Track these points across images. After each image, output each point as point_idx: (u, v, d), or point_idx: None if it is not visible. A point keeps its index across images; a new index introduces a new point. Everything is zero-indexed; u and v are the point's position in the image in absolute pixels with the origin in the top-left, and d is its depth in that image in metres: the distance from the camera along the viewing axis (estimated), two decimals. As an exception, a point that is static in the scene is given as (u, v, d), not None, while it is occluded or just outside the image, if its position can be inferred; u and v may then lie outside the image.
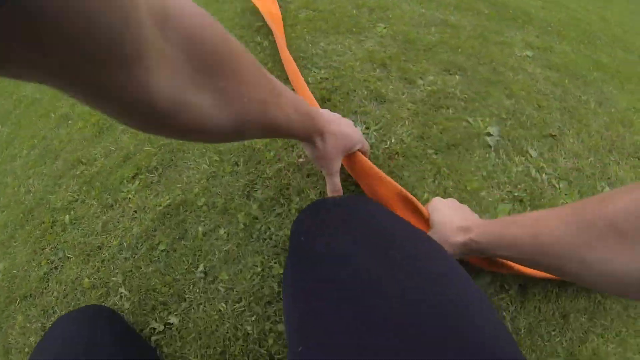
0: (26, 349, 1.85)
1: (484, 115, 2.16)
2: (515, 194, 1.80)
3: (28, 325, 1.89)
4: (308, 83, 2.29)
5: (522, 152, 2.01)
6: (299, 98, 0.92)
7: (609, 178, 2.04)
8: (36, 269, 2.07)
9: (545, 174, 1.93)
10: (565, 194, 1.87)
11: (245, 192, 1.81)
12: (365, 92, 2.16)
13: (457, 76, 2.42)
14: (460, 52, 2.67)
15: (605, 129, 2.35)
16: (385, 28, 2.77)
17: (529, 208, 1.77)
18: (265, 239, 1.65)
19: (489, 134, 2.03)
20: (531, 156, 2.00)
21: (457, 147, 1.94)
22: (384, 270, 0.77)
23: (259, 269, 1.58)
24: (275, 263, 1.58)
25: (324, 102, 2.13)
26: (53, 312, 1.85)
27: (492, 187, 1.82)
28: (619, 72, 3.10)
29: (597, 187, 1.97)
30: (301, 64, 2.47)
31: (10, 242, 2.35)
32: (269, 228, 1.67)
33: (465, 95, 2.27)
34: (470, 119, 2.10)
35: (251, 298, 1.53)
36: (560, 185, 1.90)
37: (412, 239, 0.92)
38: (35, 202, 2.44)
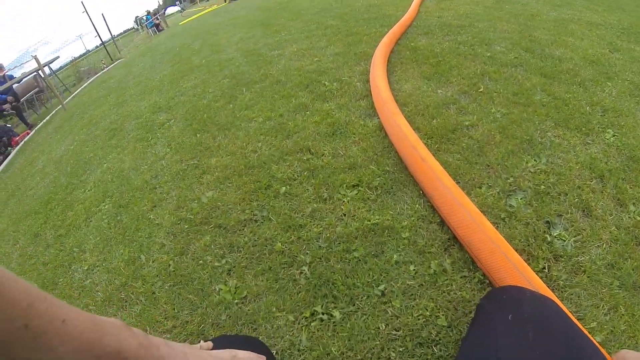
0: (200, 261, 2.21)
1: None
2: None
3: (212, 247, 2.25)
4: (524, 169, 2.35)
5: None
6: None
7: None
8: (238, 212, 2.42)
9: None
10: None
11: (445, 246, 1.93)
12: (576, 200, 2.13)
13: (677, 213, 2.22)
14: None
15: None
16: (613, 136, 2.65)
17: None
18: (444, 292, 1.75)
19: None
20: None
21: (646, 290, 1.83)
22: None
23: (428, 313, 1.68)
24: (442, 315, 1.67)
25: (537, 194, 2.18)
26: (238, 250, 2.17)
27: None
28: None
29: None
30: (522, 148, 2.53)
31: (225, 181, 2.74)
32: (452, 284, 1.77)
33: (679, 239, 2.08)
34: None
35: (409, 332, 1.65)
36: None
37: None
38: (259, 163, 2.81)
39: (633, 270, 1.83)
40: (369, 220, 2.10)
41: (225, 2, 23.85)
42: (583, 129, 2.71)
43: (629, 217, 2.08)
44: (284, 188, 2.48)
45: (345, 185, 2.38)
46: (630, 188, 2.26)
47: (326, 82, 3.90)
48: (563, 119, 2.80)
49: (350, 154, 2.65)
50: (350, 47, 4.96)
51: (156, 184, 3.16)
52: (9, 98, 9.54)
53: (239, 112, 3.79)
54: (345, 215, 2.18)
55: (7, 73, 10.51)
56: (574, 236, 1.94)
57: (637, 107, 3.03)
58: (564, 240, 1.91)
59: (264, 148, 2.98)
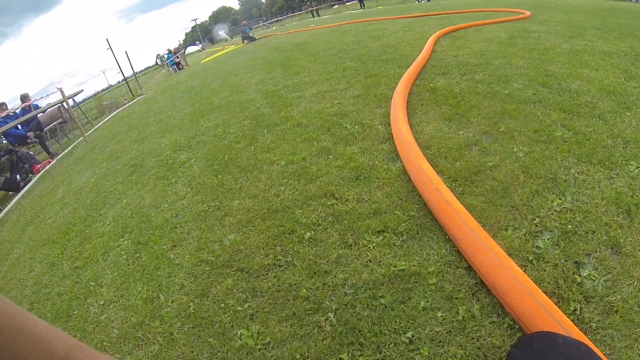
0: (222, 304, 2.18)
1: None
2: None
3: (234, 291, 2.23)
4: (550, 209, 2.30)
5: None
6: None
7: None
8: (262, 257, 2.42)
9: None
10: None
11: (473, 291, 1.90)
12: (604, 237, 2.07)
13: None
14: None
15: None
16: (637, 168, 2.60)
17: None
18: (473, 338, 1.71)
19: None
20: None
21: (683, 328, 1.74)
22: None
23: (457, 361, 1.65)
24: (473, 363, 1.64)
25: (564, 234, 2.13)
26: (261, 295, 2.15)
27: None
28: None
29: None
30: (547, 187, 2.49)
31: (248, 225, 2.75)
32: (480, 330, 1.73)
33: None
34: None
35: (440, 382, 1.62)
36: None
37: None
38: (282, 207, 2.82)
39: (666, 307, 1.75)
40: (395, 267, 2.08)
41: (243, 42, 24.56)
42: (606, 162, 2.68)
43: (660, 252, 2.01)
44: (308, 234, 2.48)
45: (370, 231, 2.38)
46: (659, 222, 2.19)
47: (348, 125, 3.95)
48: (585, 154, 2.77)
49: (374, 199, 2.66)
50: (369, 89, 5.04)
51: (177, 223, 3.18)
52: (30, 134, 9.83)
53: (261, 155, 3.84)
54: (371, 261, 2.16)
55: (32, 103, 10.86)
56: (604, 275, 1.88)
57: (661, 134, 2.98)
58: (594, 280, 1.86)
59: (287, 192, 3.00)
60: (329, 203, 2.72)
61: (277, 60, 10.18)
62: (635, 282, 1.84)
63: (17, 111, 10.19)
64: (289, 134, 4.14)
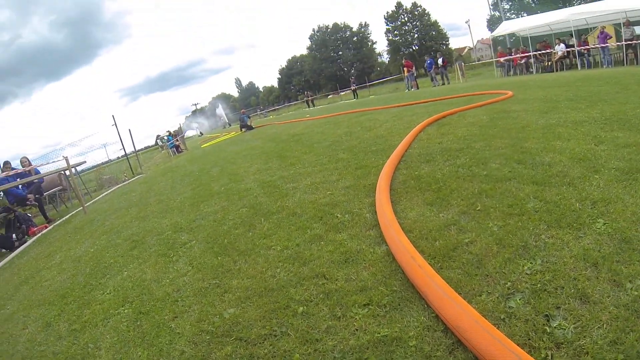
0: None
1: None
2: None
3: (233, 356, 2.41)
4: (521, 272, 2.52)
5: None
6: None
7: None
8: (259, 328, 2.62)
9: None
10: None
11: (450, 349, 2.08)
12: (573, 290, 2.25)
13: (670, 284, 2.31)
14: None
15: None
16: (604, 224, 2.82)
17: None
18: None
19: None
20: None
21: (649, 360, 1.87)
22: None
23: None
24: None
25: (534, 293, 2.31)
26: None
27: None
28: None
29: None
30: (518, 254, 2.72)
31: (247, 301, 2.97)
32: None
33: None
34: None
35: None
36: None
37: None
38: (277, 286, 3.05)
39: (636, 341, 1.87)
40: (379, 333, 2.27)
41: (241, 130, 25.25)
42: (574, 224, 2.91)
43: (627, 295, 2.16)
44: (301, 308, 2.69)
45: (357, 304, 2.59)
46: (625, 268, 2.37)
47: (338, 215, 4.23)
48: (555, 220, 3.02)
49: (361, 278, 2.88)
50: (359, 180, 5.39)
51: (178, 297, 3.34)
52: (30, 196, 10.14)
53: (258, 240, 4.10)
54: (357, 330, 2.36)
55: (36, 167, 11.33)
56: (574, 323, 2.03)
57: (624, 191, 3.25)
58: (564, 329, 2.01)
59: (282, 274, 3.24)
60: (320, 282, 2.95)
61: (273, 150, 10.72)
62: (605, 325, 1.98)
63: (22, 171, 10.59)
64: (284, 223, 4.42)
